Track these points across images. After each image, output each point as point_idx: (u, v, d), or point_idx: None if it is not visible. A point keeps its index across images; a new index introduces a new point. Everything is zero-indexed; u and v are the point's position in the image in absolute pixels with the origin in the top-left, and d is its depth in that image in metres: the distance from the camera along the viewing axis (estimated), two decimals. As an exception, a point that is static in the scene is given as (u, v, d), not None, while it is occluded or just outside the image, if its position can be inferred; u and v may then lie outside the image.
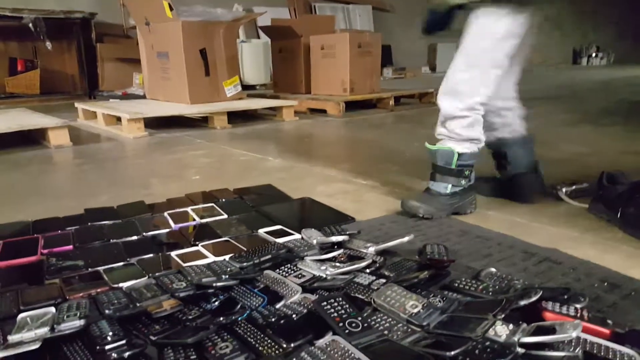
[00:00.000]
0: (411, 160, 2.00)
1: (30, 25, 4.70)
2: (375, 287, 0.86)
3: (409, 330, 0.74)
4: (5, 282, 0.93)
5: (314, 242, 1.09)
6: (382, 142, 2.52)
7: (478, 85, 1.24)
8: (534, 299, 0.76)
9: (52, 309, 0.79)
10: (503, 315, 0.72)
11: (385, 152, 2.23)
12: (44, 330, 0.72)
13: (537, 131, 1.52)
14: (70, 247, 1.11)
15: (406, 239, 1.06)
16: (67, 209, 1.38)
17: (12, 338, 0.71)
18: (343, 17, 7.66)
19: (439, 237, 1.15)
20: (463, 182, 1.30)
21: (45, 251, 1.08)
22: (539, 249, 1.07)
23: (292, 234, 1.18)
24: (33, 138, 2.60)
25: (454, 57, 1.26)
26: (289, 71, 4.12)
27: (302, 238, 1.14)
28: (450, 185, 1.29)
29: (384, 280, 0.89)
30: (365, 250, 1.03)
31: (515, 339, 0.65)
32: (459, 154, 1.27)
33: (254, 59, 5.97)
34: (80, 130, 3.02)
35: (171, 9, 3.05)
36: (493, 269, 0.92)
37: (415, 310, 0.76)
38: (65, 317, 0.76)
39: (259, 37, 6.46)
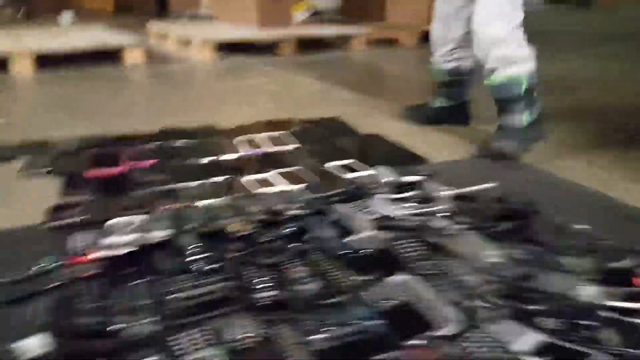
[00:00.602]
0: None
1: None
2: (450, 233, 0.85)
3: (485, 280, 0.72)
4: (96, 190, 1.00)
5: (385, 180, 1.08)
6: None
7: (518, 2, 1.23)
8: (624, 264, 0.72)
9: (139, 218, 0.85)
10: (590, 276, 0.69)
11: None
12: (134, 236, 0.78)
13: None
14: (152, 162, 1.17)
15: (488, 185, 1.02)
16: (144, 126, 1.44)
17: (106, 241, 0.77)
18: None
19: (521, 186, 1.09)
20: (536, 107, 1.25)
21: (129, 164, 1.14)
22: (630, 209, 1.00)
23: (364, 170, 1.17)
24: (109, 55, 2.67)
25: None
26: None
27: (373, 175, 1.13)
28: (526, 115, 1.24)
29: (458, 227, 0.87)
30: (439, 194, 1.01)
31: (603, 301, 0.63)
32: (526, 76, 1.22)
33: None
34: (153, 50, 3.08)
35: None
36: (580, 226, 0.88)
37: (493, 261, 0.75)
38: (151, 227, 0.81)
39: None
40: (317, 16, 4.89)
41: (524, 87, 1.22)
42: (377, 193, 1.02)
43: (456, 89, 1.51)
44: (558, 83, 2.09)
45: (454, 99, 1.52)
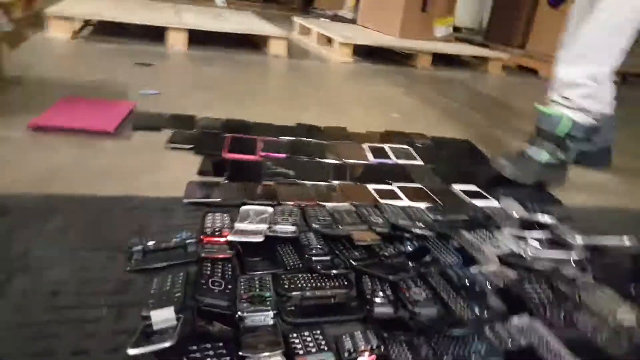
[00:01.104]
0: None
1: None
2: (582, 284, 0.78)
3: (616, 339, 0.66)
4: (231, 173, 1.07)
5: (515, 215, 1.02)
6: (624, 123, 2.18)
7: (608, 54, 1.19)
8: None
9: (270, 209, 0.89)
10: None
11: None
12: (263, 226, 0.82)
13: None
14: (284, 155, 1.22)
15: (626, 239, 0.92)
16: (278, 116, 1.51)
17: (239, 226, 0.82)
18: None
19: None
20: (563, 155, 1.20)
21: (263, 154, 1.21)
22: None
23: (488, 199, 1.12)
24: (254, 42, 2.85)
25: (584, 19, 1.17)
26: (506, 19, 3.75)
27: (501, 207, 1.07)
28: (548, 154, 1.22)
29: (592, 279, 0.80)
30: (572, 241, 0.93)
31: None
32: (573, 122, 1.20)
33: (469, 2, 5.56)
34: (294, 44, 3.22)
35: None
36: None
37: (628, 321, 0.67)
38: (280, 219, 0.85)
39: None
40: (458, 33, 4.77)
41: (562, 130, 1.20)
42: (506, 227, 0.97)
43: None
44: None
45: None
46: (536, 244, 0.91)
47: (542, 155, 1.22)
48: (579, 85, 1.21)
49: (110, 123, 1.24)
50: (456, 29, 5.29)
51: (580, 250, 0.90)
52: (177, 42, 2.44)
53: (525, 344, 0.63)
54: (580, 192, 1.25)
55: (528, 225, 1.00)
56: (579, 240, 0.94)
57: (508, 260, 0.85)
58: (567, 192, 1.22)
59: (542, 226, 1.00)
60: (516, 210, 1.05)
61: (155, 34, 2.45)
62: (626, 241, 0.94)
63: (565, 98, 1.23)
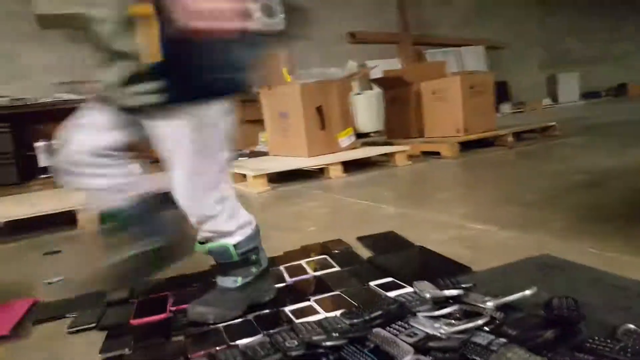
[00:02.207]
0: (535, 201, 1.84)
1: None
2: (495, 348, 0.78)
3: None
4: (136, 340, 1.02)
5: (427, 296, 1.04)
6: (501, 183, 2.36)
7: (213, 178, 1.11)
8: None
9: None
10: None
11: (505, 193, 2.08)
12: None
13: None
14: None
15: (528, 292, 0.95)
16: (195, 265, 1.48)
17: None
18: (455, 60, 7.57)
19: (566, 288, 1.02)
20: (253, 269, 1.15)
21: (173, 308, 1.17)
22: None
23: (404, 287, 1.13)
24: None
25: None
26: (400, 117, 4.14)
27: (415, 291, 1.09)
28: (240, 278, 1.13)
29: (504, 340, 0.80)
30: (483, 305, 0.95)
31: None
32: (235, 245, 1.12)
33: (367, 109, 6.11)
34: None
35: (289, 74, 3.30)
36: (632, 325, 0.78)
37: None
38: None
39: (371, 88, 6.63)
40: (366, 138, 5.16)
41: (233, 254, 1.13)
42: (419, 310, 0.97)
43: None
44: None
45: None
46: (449, 320, 0.92)
47: (234, 281, 1.14)
48: (213, 216, 1.11)
49: (4, 326, 1.16)
50: (364, 135, 5.74)
51: (490, 313, 0.91)
52: (88, 221, 2.44)
53: None
54: (486, 254, 1.30)
55: (441, 302, 1.01)
56: (489, 304, 0.95)
57: (424, 345, 0.84)
58: (475, 256, 1.27)
59: (454, 299, 1.01)
60: (428, 291, 1.06)
61: (70, 219, 2.44)
62: (527, 292, 0.96)
63: (212, 232, 1.13)
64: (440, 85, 3.67)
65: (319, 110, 3.35)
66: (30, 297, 1.37)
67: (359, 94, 6.17)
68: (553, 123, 3.75)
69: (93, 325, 1.13)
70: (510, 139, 3.50)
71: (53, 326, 1.17)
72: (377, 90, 6.16)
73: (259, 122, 5.26)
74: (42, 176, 5.10)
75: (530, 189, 2.05)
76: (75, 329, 1.13)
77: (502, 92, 6.82)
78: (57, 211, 2.44)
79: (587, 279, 1.06)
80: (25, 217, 2.40)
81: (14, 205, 2.63)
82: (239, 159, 4.58)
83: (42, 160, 5.12)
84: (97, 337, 1.07)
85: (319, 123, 3.36)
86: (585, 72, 8.59)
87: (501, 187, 2.23)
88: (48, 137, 5.21)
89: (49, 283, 1.52)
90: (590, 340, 0.75)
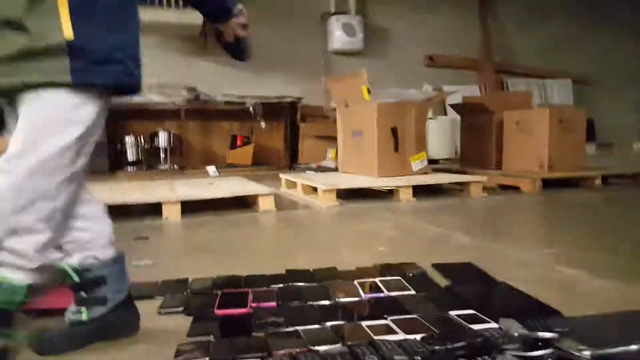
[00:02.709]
0: (629, 250, 1.72)
1: (251, 108, 5.62)
2: (595, 399, 0.74)
3: None
4: (221, 330, 1.06)
5: (516, 334, 0.99)
6: (589, 227, 2.23)
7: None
8: None
9: (261, 362, 0.87)
10: None
11: (595, 238, 1.96)
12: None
13: None
14: (274, 303, 1.22)
15: (635, 347, 0.89)
16: (271, 266, 1.53)
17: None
18: (539, 92, 7.30)
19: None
20: (99, 295, 1.01)
21: (253, 305, 1.21)
22: None
23: (488, 322, 1.09)
24: (245, 201, 3.00)
25: None
26: (477, 146, 4.03)
27: (500, 328, 1.05)
28: (85, 309, 1.01)
29: (605, 393, 0.75)
30: (578, 354, 0.90)
31: None
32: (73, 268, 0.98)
33: (440, 135, 6.04)
34: (283, 198, 3.39)
35: (369, 92, 3.32)
36: None
37: None
38: (271, 371, 0.82)
39: (445, 114, 6.53)
40: (436, 164, 5.08)
41: (75, 278, 1.00)
42: (506, 349, 0.94)
43: None
44: None
45: None
46: (540, 361, 0.88)
47: (81, 314, 1.01)
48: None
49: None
50: (434, 161, 5.65)
51: (587, 362, 0.86)
52: (171, 213, 2.58)
53: None
54: (577, 300, 1.24)
55: (530, 344, 0.97)
56: (585, 353, 0.90)
57: (513, 383, 0.81)
58: (565, 302, 1.20)
59: (545, 342, 0.97)
60: (516, 330, 1.02)
61: (152, 209, 2.59)
62: (634, 347, 0.90)
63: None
64: (525, 116, 3.54)
65: (394, 131, 3.34)
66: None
67: (431, 118, 6.10)
68: (647, 169, 3.51)
69: (180, 309, 1.20)
70: (597, 181, 3.31)
71: (144, 305, 1.23)
72: (450, 116, 6.07)
73: (328, 138, 5.37)
74: (130, 168, 5.50)
75: (623, 237, 1.92)
76: (164, 310, 1.19)
77: (587, 131, 6.48)
78: (145, 202, 2.60)
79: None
80: (118, 204, 2.57)
81: (107, 193, 2.84)
82: (306, 172, 4.66)
83: (130, 154, 5.51)
84: (184, 321, 1.13)
85: (392, 144, 3.35)
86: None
87: (590, 232, 2.11)
88: (138, 132, 5.60)
89: (138, 266, 1.61)
90: None
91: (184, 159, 5.73)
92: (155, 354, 0.96)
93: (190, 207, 2.68)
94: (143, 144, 5.56)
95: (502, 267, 1.54)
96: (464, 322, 1.09)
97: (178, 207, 2.59)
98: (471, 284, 1.39)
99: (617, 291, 1.30)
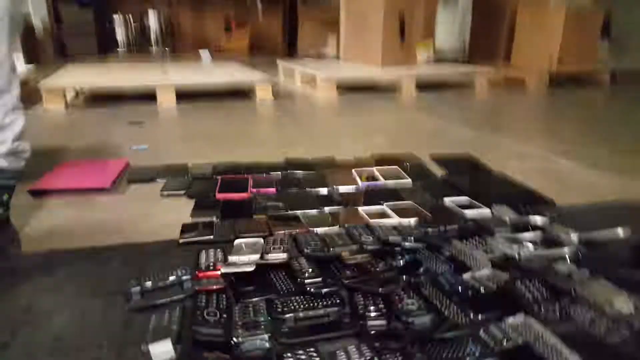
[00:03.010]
0: (629, 146, 1.72)
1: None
2: (577, 278, 0.78)
3: (615, 328, 0.66)
4: (223, 212, 1.10)
5: (507, 219, 1.03)
6: (592, 123, 2.21)
7: None
8: None
9: (261, 240, 0.91)
10: None
11: (597, 134, 1.96)
12: (256, 257, 0.84)
13: None
14: (274, 189, 1.25)
15: (620, 231, 0.93)
16: (269, 155, 1.55)
17: (231, 258, 0.84)
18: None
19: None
20: None
21: (254, 190, 1.24)
22: None
23: (481, 208, 1.13)
24: (241, 89, 2.93)
25: None
26: (487, 37, 3.85)
27: (492, 213, 1.08)
28: None
29: (587, 272, 0.80)
30: (566, 237, 0.94)
31: None
32: None
33: (448, 23, 5.72)
34: (280, 87, 3.31)
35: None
36: None
37: (625, 309, 0.68)
38: (272, 248, 0.86)
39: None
40: (442, 55, 4.90)
41: None
42: (497, 232, 0.98)
43: None
44: None
45: None
46: (530, 245, 0.92)
47: None
48: None
49: (106, 180, 1.27)
50: (439, 52, 5.44)
51: (574, 246, 0.91)
52: (166, 99, 2.53)
53: (521, 342, 0.63)
54: (571, 190, 1.27)
55: (521, 228, 1.01)
56: (573, 236, 0.94)
57: (501, 263, 0.86)
58: (559, 192, 1.24)
59: (535, 227, 1.01)
60: (508, 215, 1.06)
61: (146, 94, 2.54)
62: (620, 233, 0.94)
63: None
64: (541, 7, 3.33)
65: (401, 16, 3.16)
66: (123, 158, 1.49)
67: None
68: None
69: (183, 192, 1.23)
70: (607, 78, 3.22)
71: (147, 187, 1.27)
72: (463, 2, 5.70)
73: (330, 23, 5.08)
74: (119, 50, 5.27)
75: (625, 133, 1.92)
76: (167, 192, 1.22)
77: (602, 27, 6.17)
78: (137, 86, 2.53)
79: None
80: (109, 87, 2.51)
81: (96, 76, 2.75)
82: (306, 60, 4.50)
83: (119, 34, 5.25)
84: (186, 203, 1.16)
85: (398, 30, 3.19)
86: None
87: (592, 127, 2.10)
88: (125, 11, 5.28)
89: (136, 150, 1.62)
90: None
91: (176, 42, 5.50)
92: (161, 231, 1.00)
93: (185, 94, 2.62)
94: (132, 23, 5.29)
95: (500, 159, 1.55)
96: (458, 208, 1.12)
97: (172, 93, 2.54)
98: (467, 174, 1.42)
99: (610, 183, 1.32)
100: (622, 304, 0.71)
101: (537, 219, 1.01)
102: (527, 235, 0.96)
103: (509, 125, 2.16)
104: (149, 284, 0.76)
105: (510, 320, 0.68)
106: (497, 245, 0.92)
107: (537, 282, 0.76)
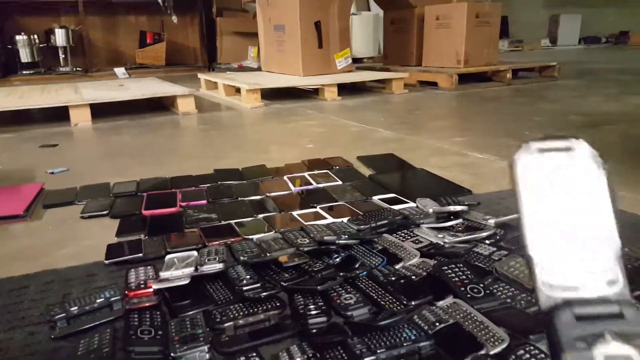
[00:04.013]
0: (532, 135, 1.88)
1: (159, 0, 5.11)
2: (497, 258, 0.85)
3: (533, 301, 0.72)
4: (151, 229, 1.06)
5: (430, 210, 1.09)
6: (499, 117, 2.39)
7: None
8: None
9: (195, 253, 0.89)
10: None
11: (503, 127, 2.12)
12: (189, 270, 0.82)
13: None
14: (205, 201, 1.23)
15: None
16: (197, 168, 1.52)
17: (163, 274, 0.81)
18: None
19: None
20: None
21: (183, 204, 1.21)
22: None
23: (406, 202, 1.18)
24: (162, 104, 2.86)
25: None
26: (400, 43, 4.04)
27: (417, 206, 1.14)
28: None
29: (505, 252, 0.87)
30: (484, 222, 1.01)
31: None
32: None
33: (363, 32, 5.93)
34: (203, 99, 3.26)
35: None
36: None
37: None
38: (206, 259, 0.85)
39: (369, 10, 6.39)
40: (360, 63, 5.06)
41: None
42: (423, 223, 1.03)
43: None
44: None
45: None
46: (452, 232, 0.98)
47: None
48: None
49: (19, 206, 1.19)
50: (358, 60, 5.62)
51: (492, 229, 0.98)
52: (80, 118, 2.41)
53: (452, 322, 0.67)
54: (485, 180, 1.36)
55: (443, 217, 1.07)
56: (490, 221, 1.02)
57: (428, 251, 0.91)
58: (475, 182, 1.32)
59: (456, 216, 1.07)
60: (431, 207, 1.12)
61: (58, 115, 2.40)
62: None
63: None
64: (445, 10, 3.56)
65: (317, 25, 3.24)
66: (37, 183, 1.39)
67: (355, 14, 5.96)
68: (554, 63, 3.74)
69: (106, 212, 1.17)
70: (508, 75, 3.49)
71: (65, 211, 1.19)
72: (374, 12, 5.94)
73: (249, 34, 5.09)
74: (25, 72, 4.93)
75: (528, 125, 2.09)
76: (88, 214, 1.16)
77: (501, 27, 6.69)
78: (49, 105, 2.38)
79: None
80: (17, 108, 2.34)
81: (3, 97, 2.55)
82: (227, 72, 4.47)
83: (23, 55, 4.92)
84: (111, 223, 1.11)
85: (316, 40, 3.27)
86: (589, 14, 8.41)
87: (499, 121, 2.27)
88: (30, 30, 4.96)
89: (52, 173, 1.53)
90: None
91: (88, 60, 5.23)
92: (83, 255, 0.95)
93: (100, 112, 2.51)
94: (37, 42, 4.96)
95: (421, 156, 1.64)
96: (386, 204, 1.17)
97: (87, 111, 2.42)
98: (392, 172, 1.48)
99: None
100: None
101: (458, 208, 1.08)
102: (450, 223, 1.02)
103: (426, 125, 2.28)
104: (74, 309, 0.72)
105: (441, 303, 0.72)
106: (423, 235, 0.97)
107: (461, 266, 0.81)
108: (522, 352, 0.59)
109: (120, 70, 4.88)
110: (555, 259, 0.28)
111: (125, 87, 3.03)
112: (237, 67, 5.09)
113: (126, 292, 0.77)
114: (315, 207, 1.18)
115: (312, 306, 0.71)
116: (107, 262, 0.91)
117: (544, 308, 0.28)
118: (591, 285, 0.28)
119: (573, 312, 0.27)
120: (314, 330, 0.67)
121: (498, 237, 0.95)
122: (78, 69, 5.10)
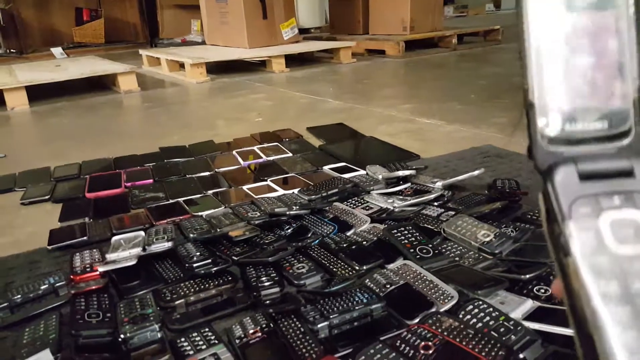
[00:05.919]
0: (478, 100, 1.93)
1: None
2: (445, 219, 0.87)
3: (481, 257, 0.75)
4: (95, 211, 1.02)
5: (380, 177, 1.11)
6: (445, 82, 2.43)
7: None
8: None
9: (142, 233, 0.87)
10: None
11: (449, 92, 2.16)
12: (137, 250, 0.79)
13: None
14: (151, 180, 1.19)
15: (476, 172, 1.04)
16: (142, 148, 1.47)
17: (110, 256, 0.79)
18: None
19: (509, 172, 1.12)
20: None
21: (128, 184, 1.17)
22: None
23: (357, 170, 1.19)
24: (103, 84, 2.72)
25: None
26: (346, 12, 4.00)
27: (367, 174, 1.15)
28: None
29: (452, 213, 0.89)
30: (432, 185, 1.04)
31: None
32: None
33: (309, 1, 5.83)
34: (146, 77, 3.13)
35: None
36: None
37: (488, 239, 0.77)
38: (154, 239, 0.83)
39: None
40: (307, 34, 4.98)
41: None
42: (373, 189, 1.05)
43: None
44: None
45: None
46: (400, 196, 1.00)
47: None
48: None
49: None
50: (305, 31, 5.54)
51: (440, 191, 1.00)
52: (16, 102, 2.26)
53: (402, 283, 0.69)
54: (432, 144, 1.39)
55: (392, 183, 1.09)
56: (437, 184, 1.04)
57: (378, 217, 0.92)
58: (423, 147, 1.35)
59: (405, 180, 1.09)
60: (381, 174, 1.13)
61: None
62: (475, 174, 1.06)
63: None
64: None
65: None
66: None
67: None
68: (497, 27, 3.82)
69: (47, 197, 1.12)
70: (454, 40, 3.54)
71: (3, 198, 1.13)
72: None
73: (191, 7, 4.89)
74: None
75: (473, 89, 2.14)
76: (28, 200, 1.10)
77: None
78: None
79: (527, 166, 1.17)
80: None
81: None
82: (171, 47, 4.30)
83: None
84: (53, 209, 1.06)
85: (260, 11, 3.18)
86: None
87: (445, 87, 2.31)
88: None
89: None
90: (530, 213, 0.86)
91: (22, 41, 4.89)
92: (25, 243, 0.91)
93: (38, 95, 2.37)
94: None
95: (370, 124, 1.65)
96: (337, 173, 1.18)
97: (23, 94, 2.28)
98: (342, 142, 1.48)
99: (464, 133, 1.48)
100: (484, 235, 0.80)
101: (406, 173, 1.10)
102: (398, 188, 1.03)
103: (374, 93, 2.29)
104: (18, 297, 0.69)
105: (391, 266, 0.74)
106: (373, 201, 0.99)
107: (410, 228, 0.83)
108: (471, 307, 0.61)
109: (57, 50, 4.58)
110: (559, 105, 0.23)
111: (62, 67, 2.86)
112: (181, 42, 4.90)
113: (72, 276, 0.74)
114: (266, 180, 1.17)
115: (264, 278, 0.71)
116: (50, 247, 0.87)
117: (541, 166, 0.23)
118: (598, 137, 0.23)
119: (576, 169, 0.23)
120: (267, 302, 0.67)
121: (446, 199, 0.98)
122: (12, 50, 4.76)
